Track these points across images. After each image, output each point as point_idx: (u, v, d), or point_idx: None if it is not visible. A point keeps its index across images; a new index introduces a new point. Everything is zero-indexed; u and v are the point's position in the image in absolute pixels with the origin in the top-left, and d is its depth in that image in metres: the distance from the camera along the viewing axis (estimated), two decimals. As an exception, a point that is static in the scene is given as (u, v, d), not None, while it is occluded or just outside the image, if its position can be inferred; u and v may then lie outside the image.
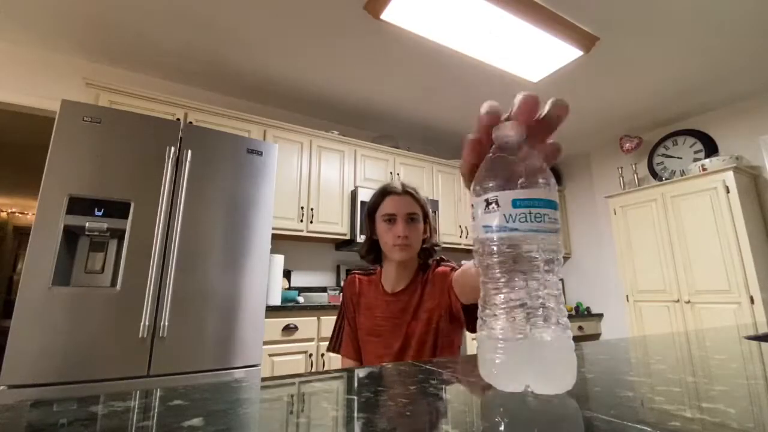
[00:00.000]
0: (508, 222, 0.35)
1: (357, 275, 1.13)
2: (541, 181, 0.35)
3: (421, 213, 1.01)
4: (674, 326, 2.89)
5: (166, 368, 1.64)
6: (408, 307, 0.99)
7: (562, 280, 3.91)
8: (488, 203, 0.36)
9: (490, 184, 0.37)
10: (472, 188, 0.39)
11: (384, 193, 1.01)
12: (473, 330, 0.87)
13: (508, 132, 0.37)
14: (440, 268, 0.99)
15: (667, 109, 3.20)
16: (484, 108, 0.38)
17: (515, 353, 0.34)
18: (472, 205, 0.39)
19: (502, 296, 0.36)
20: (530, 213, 0.34)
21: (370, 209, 1.04)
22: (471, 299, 0.82)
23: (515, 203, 0.35)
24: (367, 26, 2.22)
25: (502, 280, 0.36)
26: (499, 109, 0.38)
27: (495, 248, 0.36)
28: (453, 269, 0.94)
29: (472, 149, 0.40)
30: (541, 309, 0.34)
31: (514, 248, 0.35)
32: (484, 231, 0.37)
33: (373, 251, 1.05)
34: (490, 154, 0.38)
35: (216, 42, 2.38)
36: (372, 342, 1.01)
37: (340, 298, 1.17)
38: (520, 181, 0.35)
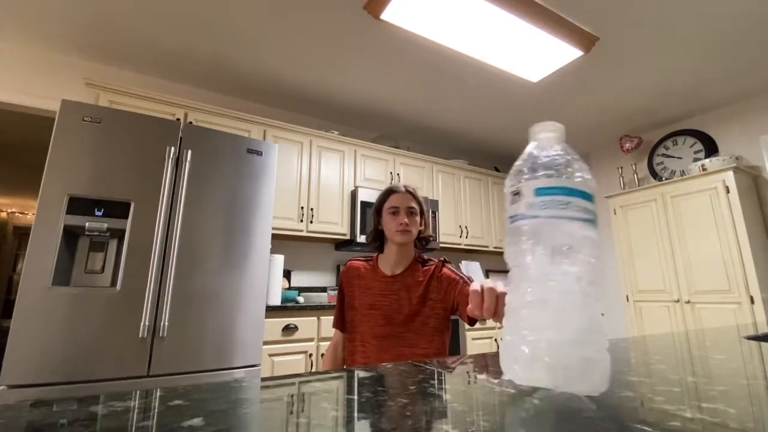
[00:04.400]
0: (529, 210, 0.34)
1: (356, 262, 1.32)
2: (575, 174, 0.35)
3: (418, 208, 1.23)
4: (674, 326, 2.89)
5: (166, 368, 1.64)
6: (408, 288, 1.19)
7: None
8: (513, 194, 0.37)
9: (519, 179, 0.37)
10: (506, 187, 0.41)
11: (390, 191, 1.25)
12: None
13: (547, 130, 0.39)
14: (447, 272, 1.18)
15: (667, 109, 3.20)
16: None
17: (544, 352, 0.31)
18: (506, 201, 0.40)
19: (528, 293, 0.34)
20: (552, 201, 0.33)
21: (378, 204, 1.26)
22: None
23: (537, 192, 0.34)
24: (367, 26, 2.21)
25: (529, 271, 0.34)
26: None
27: (516, 238, 0.35)
28: (464, 282, 1.12)
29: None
30: (572, 303, 0.32)
31: (539, 236, 0.33)
32: (509, 222, 0.37)
33: (378, 239, 1.27)
34: (528, 152, 0.39)
35: (216, 42, 2.38)
36: (372, 315, 1.18)
37: (339, 285, 1.35)
38: (551, 174, 0.35)
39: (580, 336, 0.31)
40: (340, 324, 1.30)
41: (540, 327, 0.32)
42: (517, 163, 0.38)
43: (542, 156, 0.36)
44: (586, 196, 0.34)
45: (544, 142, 0.38)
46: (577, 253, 0.33)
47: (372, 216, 1.29)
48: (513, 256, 0.36)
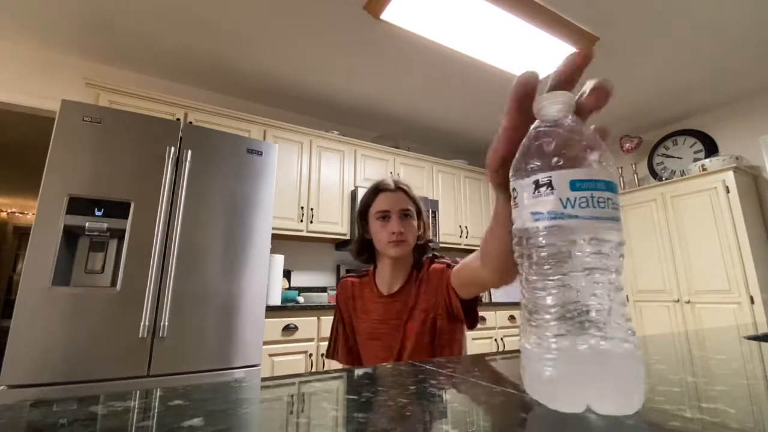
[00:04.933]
0: (565, 207, 0.29)
1: (350, 279, 1.12)
2: (601, 160, 0.30)
3: (414, 209, 1.00)
4: (674, 326, 2.89)
5: (166, 368, 1.64)
6: (408, 307, 0.98)
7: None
8: (538, 185, 0.31)
9: (540, 163, 0.31)
10: (513, 168, 0.34)
11: (376, 190, 1.01)
12: (472, 327, 0.87)
13: (558, 101, 0.32)
14: (435, 266, 0.98)
15: (667, 109, 3.20)
16: (522, 76, 0.34)
17: (573, 366, 0.28)
18: (514, 189, 0.34)
19: (553, 298, 0.30)
20: (592, 197, 0.29)
21: (363, 208, 1.03)
22: (472, 292, 0.84)
23: (574, 185, 0.29)
24: (367, 26, 2.21)
25: (555, 277, 0.30)
26: (537, 77, 0.35)
27: (546, 240, 0.30)
28: (449, 266, 0.93)
29: (507, 138, 0.35)
30: (603, 313, 0.28)
31: (572, 240, 0.29)
32: (532, 218, 0.31)
33: (366, 251, 1.05)
34: (536, 127, 0.33)
35: (216, 42, 2.38)
36: (372, 345, 1.00)
37: (337, 308, 1.15)
38: (577, 159, 0.30)
39: (617, 351, 0.28)
40: (333, 353, 1.10)
41: (570, 345, 0.29)
42: (539, 141, 0.32)
43: (574, 135, 0.31)
44: (616, 189, 0.31)
45: (561, 117, 0.32)
46: (611, 259, 0.30)
47: (356, 222, 1.05)
48: (533, 261, 0.31)
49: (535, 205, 0.31)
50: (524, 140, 0.34)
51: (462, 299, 0.86)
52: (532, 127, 0.34)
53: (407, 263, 1.02)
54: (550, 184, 0.30)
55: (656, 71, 2.66)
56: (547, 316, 0.30)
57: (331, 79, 2.78)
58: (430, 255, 1.04)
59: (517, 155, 0.34)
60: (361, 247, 1.05)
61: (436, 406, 0.33)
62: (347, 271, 3.12)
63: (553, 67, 0.38)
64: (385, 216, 0.97)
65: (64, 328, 1.50)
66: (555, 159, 0.30)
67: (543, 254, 0.30)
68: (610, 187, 0.30)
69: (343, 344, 1.08)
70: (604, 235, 0.29)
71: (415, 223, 1.00)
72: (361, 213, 1.04)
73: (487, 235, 0.59)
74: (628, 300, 3.21)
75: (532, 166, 0.31)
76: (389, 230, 0.96)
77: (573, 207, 0.29)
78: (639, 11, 2.09)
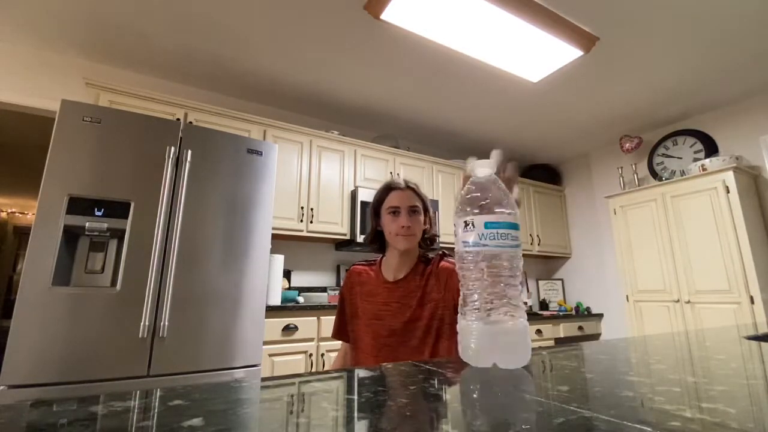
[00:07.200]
0: (481, 239, 0.47)
1: (358, 267, 1.22)
2: (506, 209, 0.48)
3: (421, 206, 1.10)
4: (674, 326, 2.89)
5: (166, 368, 1.64)
6: (409, 294, 1.06)
7: (562, 280, 3.89)
8: (466, 224, 0.48)
9: (468, 209, 0.48)
10: (455, 210, 0.51)
11: (388, 188, 1.12)
12: None
13: (484, 167, 0.51)
14: (445, 264, 1.06)
15: (667, 109, 3.20)
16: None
17: (485, 338, 0.45)
18: (455, 224, 0.50)
19: (476, 295, 0.47)
20: (498, 233, 0.46)
21: (376, 203, 1.13)
22: None
23: (486, 225, 0.47)
24: (367, 26, 2.21)
25: (476, 283, 0.47)
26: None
27: (471, 258, 0.48)
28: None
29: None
30: (505, 304, 0.46)
31: (485, 259, 0.47)
32: (462, 246, 0.48)
33: (377, 241, 1.15)
34: (469, 184, 0.51)
35: (216, 42, 2.38)
36: (375, 324, 1.08)
37: (341, 292, 1.26)
38: (490, 208, 0.47)
39: (508, 329, 0.46)
40: (338, 333, 1.21)
41: (483, 328, 0.46)
42: (468, 195, 0.50)
43: (490, 192, 0.49)
44: (517, 227, 0.49)
45: (484, 179, 0.51)
46: (509, 272, 0.47)
47: (369, 216, 1.17)
48: (462, 271, 0.50)
49: (464, 237, 0.48)
50: (461, 191, 0.51)
51: None
52: (468, 182, 0.51)
53: (413, 255, 1.11)
54: (473, 224, 0.47)
55: (656, 71, 2.66)
56: (472, 307, 0.48)
57: (331, 79, 2.78)
58: (440, 252, 1.12)
59: (457, 203, 0.50)
60: (373, 237, 1.16)
61: (436, 406, 0.33)
62: (347, 271, 3.12)
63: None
64: (395, 211, 1.08)
65: (64, 328, 1.50)
66: (477, 208, 0.48)
67: (470, 268, 0.48)
68: (511, 226, 0.47)
69: (340, 323, 1.21)
70: (506, 256, 0.47)
71: (422, 218, 1.10)
72: (374, 208, 1.14)
73: None
74: (628, 300, 3.21)
75: (463, 211, 0.49)
76: (399, 224, 1.06)
77: (485, 239, 0.46)
78: (639, 11, 2.09)
